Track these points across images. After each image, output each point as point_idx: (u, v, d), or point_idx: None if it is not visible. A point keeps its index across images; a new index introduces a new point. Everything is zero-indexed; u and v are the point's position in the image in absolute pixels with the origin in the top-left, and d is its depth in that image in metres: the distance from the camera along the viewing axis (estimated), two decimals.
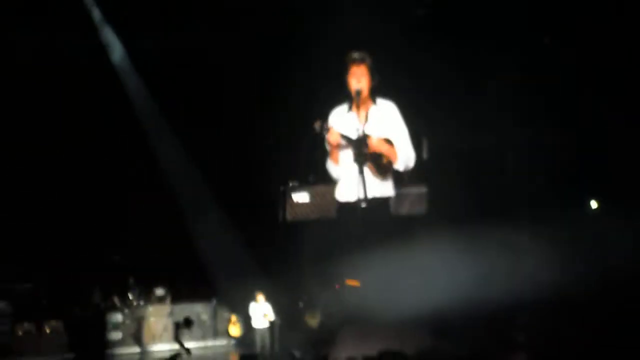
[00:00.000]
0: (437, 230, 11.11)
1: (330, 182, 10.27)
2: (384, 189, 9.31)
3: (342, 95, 9.28)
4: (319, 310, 11.12)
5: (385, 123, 9.27)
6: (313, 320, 11.15)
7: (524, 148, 12.16)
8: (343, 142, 9.14)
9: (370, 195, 9.10)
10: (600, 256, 11.00)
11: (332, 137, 9.06)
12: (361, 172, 9.01)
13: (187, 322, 10.87)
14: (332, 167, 9.45)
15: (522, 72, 11.76)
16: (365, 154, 9.05)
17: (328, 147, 9.47)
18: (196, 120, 12.14)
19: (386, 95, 9.37)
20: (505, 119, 11.80)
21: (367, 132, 9.21)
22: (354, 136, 9.13)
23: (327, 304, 10.79)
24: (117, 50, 12.41)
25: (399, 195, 10.17)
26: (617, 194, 11.86)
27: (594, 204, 12.40)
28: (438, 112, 11.84)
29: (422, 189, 11.99)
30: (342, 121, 9.32)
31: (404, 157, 9.28)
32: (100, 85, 12.09)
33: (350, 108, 9.26)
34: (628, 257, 10.67)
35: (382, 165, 9.17)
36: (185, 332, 11.13)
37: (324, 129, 9.03)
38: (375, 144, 9.04)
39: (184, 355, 9.37)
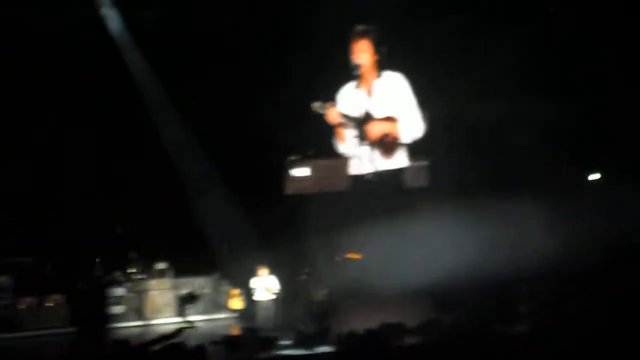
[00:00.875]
0: (439, 203, 11.12)
1: (332, 155, 10.27)
2: (396, 161, 9.31)
3: (350, 70, 9.26)
4: (325, 284, 11.14)
5: (391, 96, 9.25)
6: (320, 294, 11.16)
7: (525, 119, 12.13)
8: (344, 120, 9.14)
9: (381, 168, 9.12)
10: (603, 227, 11.01)
11: (332, 117, 9.06)
12: (368, 150, 9.04)
13: (191, 297, 10.87)
14: (339, 144, 9.44)
15: (524, 44, 11.72)
16: (366, 134, 9.06)
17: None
18: (197, 92, 12.08)
19: (393, 67, 9.35)
20: (506, 91, 11.77)
21: (369, 108, 9.22)
22: (356, 113, 9.13)
23: (329, 277, 10.80)
24: (115, 21, 12.32)
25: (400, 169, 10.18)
26: (619, 164, 11.85)
27: (596, 175, 12.39)
28: (439, 84, 11.80)
29: (423, 162, 11.98)
30: (348, 97, 9.32)
31: (410, 129, 9.27)
32: (99, 57, 12.01)
33: (358, 84, 9.26)
34: (632, 228, 10.68)
35: (385, 144, 9.17)
36: (188, 307, 11.14)
37: (323, 108, 9.04)
38: (375, 126, 9.04)
39: (189, 330, 9.37)
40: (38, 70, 11.68)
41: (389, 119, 9.17)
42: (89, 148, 12.00)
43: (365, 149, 9.12)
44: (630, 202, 10.90)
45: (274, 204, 12.10)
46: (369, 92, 9.23)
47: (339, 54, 9.38)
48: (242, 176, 12.36)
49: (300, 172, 11.85)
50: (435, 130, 11.74)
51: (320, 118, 9.13)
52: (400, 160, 9.40)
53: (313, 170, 11.79)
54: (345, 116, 9.09)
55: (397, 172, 9.35)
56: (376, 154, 9.12)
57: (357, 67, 9.12)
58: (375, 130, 9.05)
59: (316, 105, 9.04)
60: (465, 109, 11.68)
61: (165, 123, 12.36)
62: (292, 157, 11.84)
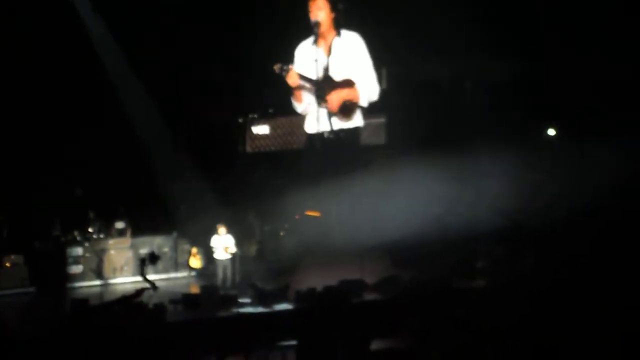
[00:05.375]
0: (397, 160, 11.18)
1: (291, 114, 10.28)
2: (352, 121, 9.35)
3: (308, 29, 9.27)
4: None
5: (349, 55, 9.27)
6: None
7: (482, 77, 12.19)
8: (303, 83, 9.16)
9: (337, 127, 9.16)
10: (558, 183, 11.13)
11: (292, 80, 9.08)
12: (325, 112, 9.08)
13: (152, 258, 10.84)
14: (296, 105, 9.47)
15: (481, 3, 11.76)
16: (325, 96, 9.09)
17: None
18: (155, 52, 11.99)
19: (351, 26, 9.35)
20: (463, 49, 11.81)
21: (328, 68, 9.25)
22: (315, 73, 9.15)
23: (289, 234, 10.86)
24: None
25: None
26: (576, 121, 11.95)
27: (551, 131, 12.48)
28: (397, 42, 11.81)
29: (381, 119, 12.04)
30: (306, 54, 9.32)
31: (367, 92, 9.31)
32: (58, 20, 11.85)
33: (315, 41, 9.26)
34: (588, 185, 10.81)
35: (344, 109, 9.22)
36: (149, 267, 11.12)
37: (284, 70, 9.05)
38: (335, 95, 9.08)
39: (151, 290, 9.37)
40: None
41: (348, 84, 9.20)
42: (48, 108, 11.88)
43: (323, 110, 9.15)
44: (587, 159, 11.03)
45: (233, 161, 12.11)
46: (328, 51, 9.25)
47: (299, 12, 9.38)
48: (201, 134, 12.33)
49: (260, 130, 11.88)
50: (392, 86, 11.81)
51: (279, 78, 9.15)
52: (360, 118, 9.46)
53: (272, 129, 11.82)
54: (305, 78, 9.11)
55: (353, 131, 9.41)
56: (333, 116, 9.17)
57: (316, 24, 9.13)
58: (336, 99, 9.09)
59: (277, 67, 9.06)
60: (424, 66, 11.71)
61: (122, 83, 12.25)
62: (252, 115, 11.85)
